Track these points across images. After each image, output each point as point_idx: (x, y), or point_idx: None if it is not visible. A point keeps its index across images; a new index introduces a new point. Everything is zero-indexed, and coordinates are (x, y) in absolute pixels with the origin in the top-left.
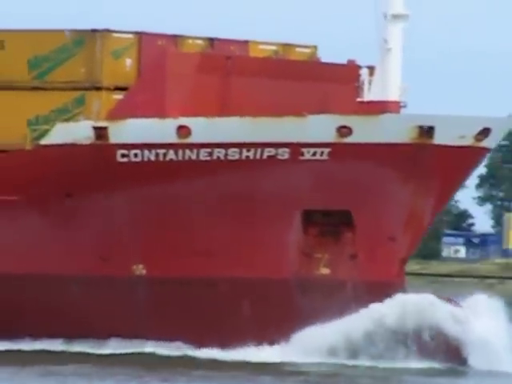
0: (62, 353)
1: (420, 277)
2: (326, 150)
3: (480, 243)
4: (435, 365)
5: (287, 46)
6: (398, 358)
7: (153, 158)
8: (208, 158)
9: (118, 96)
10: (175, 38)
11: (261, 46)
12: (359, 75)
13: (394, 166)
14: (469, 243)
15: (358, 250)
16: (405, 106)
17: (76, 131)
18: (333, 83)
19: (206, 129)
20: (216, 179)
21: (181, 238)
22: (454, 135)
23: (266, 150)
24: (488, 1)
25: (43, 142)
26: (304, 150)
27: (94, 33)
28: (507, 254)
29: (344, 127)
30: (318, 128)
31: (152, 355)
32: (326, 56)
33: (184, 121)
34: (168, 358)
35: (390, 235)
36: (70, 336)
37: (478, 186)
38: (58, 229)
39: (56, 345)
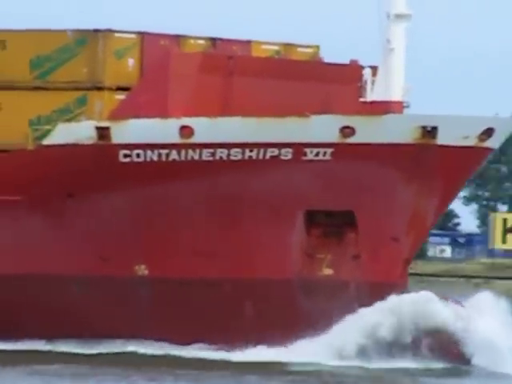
0: (49, 352)
1: None
2: (329, 151)
3: (466, 243)
4: (439, 365)
5: (289, 46)
6: (400, 359)
7: (155, 158)
8: (211, 159)
9: (120, 96)
10: (177, 38)
11: (263, 46)
12: (362, 75)
13: (397, 166)
14: (455, 243)
15: (360, 251)
16: (408, 107)
17: (78, 131)
18: (335, 83)
19: (209, 129)
20: (219, 179)
21: (183, 239)
22: (457, 135)
23: (269, 150)
24: (491, 1)
25: (45, 142)
26: (307, 150)
27: (97, 33)
28: (493, 254)
29: (347, 127)
30: (321, 128)
31: (139, 355)
32: (329, 56)
33: (186, 121)
34: (154, 357)
35: (393, 236)
36: (68, 336)
37: (464, 185)
38: (60, 229)
39: (41, 345)
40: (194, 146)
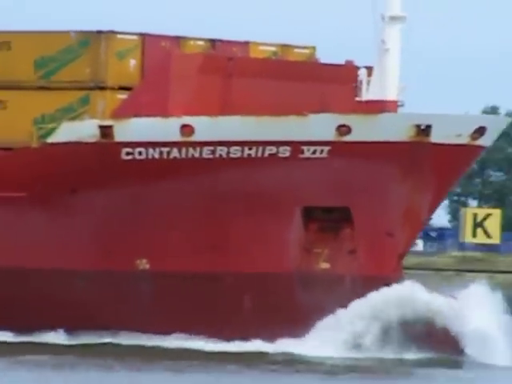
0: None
1: None
2: (326, 148)
3: (437, 237)
4: (433, 355)
5: (286, 47)
6: (396, 350)
7: (157, 155)
8: (211, 156)
9: (123, 96)
10: (178, 40)
11: (261, 47)
12: (357, 75)
13: (392, 163)
14: (426, 237)
15: (356, 246)
16: (402, 105)
17: (81, 130)
18: (331, 83)
19: (209, 127)
20: (219, 176)
21: (184, 234)
22: (450, 134)
23: (268, 148)
24: (484, 3)
25: (49, 140)
26: (304, 148)
27: (99, 34)
28: (463, 248)
29: (343, 126)
30: (318, 127)
31: (126, 346)
32: (325, 56)
33: (187, 120)
34: (141, 348)
35: (388, 231)
36: (72, 328)
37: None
38: (64, 224)
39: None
40: (194, 144)
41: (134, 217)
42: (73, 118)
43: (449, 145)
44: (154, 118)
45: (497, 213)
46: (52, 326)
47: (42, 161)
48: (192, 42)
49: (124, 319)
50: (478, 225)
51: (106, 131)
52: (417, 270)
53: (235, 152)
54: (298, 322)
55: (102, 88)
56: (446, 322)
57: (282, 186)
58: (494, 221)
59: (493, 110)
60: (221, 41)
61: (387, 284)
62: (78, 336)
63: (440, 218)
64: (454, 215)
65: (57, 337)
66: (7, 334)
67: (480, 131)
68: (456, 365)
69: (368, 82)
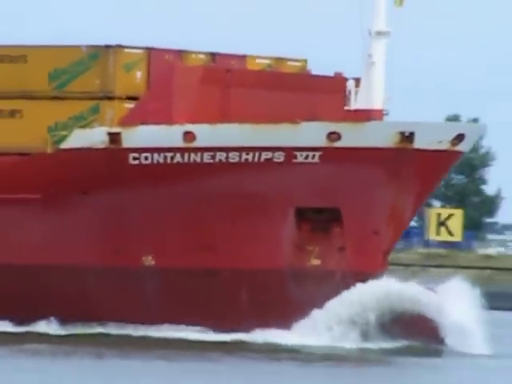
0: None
1: None
2: (317, 154)
3: (404, 235)
4: (416, 344)
5: (280, 60)
6: (379, 339)
7: (161, 160)
8: (211, 161)
9: (130, 105)
10: (180, 53)
11: (257, 60)
12: (346, 86)
13: (379, 167)
14: None
15: (345, 243)
16: (387, 114)
17: (92, 136)
18: (322, 93)
19: (209, 134)
20: (218, 180)
21: (186, 232)
22: (432, 140)
23: (263, 153)
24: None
25: (62, 146)
26: (297, 153)
27: (108, 48)
28: (428, 245)
29: (333, 133)
30: (310, 134)
31: (119, 336)
32: (316, 69)
33: (189, 127)
34: (136, 337)
35: (375, 230)
36: (84, 320)
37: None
38: (75, 224)
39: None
40: (195, 150)
41: (140, 217)
42: (84, 126)
43: (430, 150)
44: (159, 126)
45: (459, 213)
46: (63, 318)
47: (55, 165)
48: (193, 56)
49: (130, 311)
50: (441, 224)
51: (114, 138)
52: None
53: (233, 157)
54: (291, 315)
55: (111, 98)
56: (427, 313)
57: (277, 188)
58: (456, 220)
59: (455, 118)
60: (220, 54)
61: (374, 278)
62: (91, 326)
63: None
64: (420, 215)
65: (66, 328)
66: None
67: (459, 138)
68: (436, 353)
69: (356, 93)
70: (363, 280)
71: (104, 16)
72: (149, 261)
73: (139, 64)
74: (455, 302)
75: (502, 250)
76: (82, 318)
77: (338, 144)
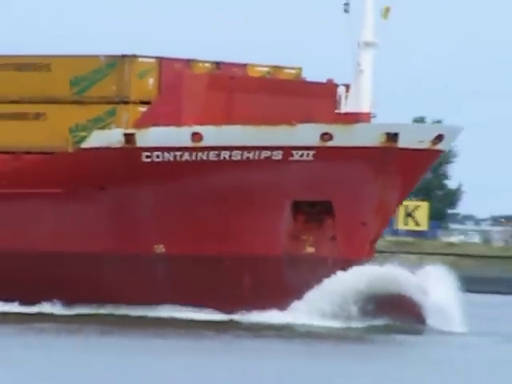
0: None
1: None
2: (311, 152)
3: None
4: (400, 323)
5: (277, 68)
6: (368, 319)
7: (171, 158)
8: (216, 159)
9: (143, 108)
10: (188, 62)
11: (256, 68)
12: (337, 91)
13: (366, 165)
14: None
15: (336, 233)
16: (374, 117)
17: (109, 137)
18: (315, 98)
19: (215, 135)
20: (222, 176)
21: (193, 223)
22: (414, 140)
23: (263, 152)
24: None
25: (82, 145)
26: (293, 152)
27: (123, 58)
28: (397, 233)
29: (326, 134)
30: (305, 134)
31: (123, 316)
32: (310, 76)
33: (197, 128)
34: (135, 317)
35: (363, 221)
36: (98, 302)
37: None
38: (93, 216)
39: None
40: (202, 149)
41: (152, 209)
42: (102, 127)
43: (413, 149)
44: (169, 127)
45: (424, 205)
46: (81, 300)
47: (76, 163)
48: (200, 64)
49: (143, 293)
50: (408, 215)
51: (129, 138)
52: None
53: (236, 155)
54: (287, 297)
55: (126, 102)
56: (410, 295)
57: (275, 183)
58: (422, 212)
59: (421, 120)
60: (224, 63)
61: (361, 264)
62: (102, 306)
63: None
64: None
65: (91, 309)
66: (46, 306)
67: (439, 138)
68: (418, 331)
69: (346, 97)
70: (352, 266)
71: (120, 28)
72: (160, 248)
73: (151, 72)
74: (435, 285)
75: (462, 238)
76: (97, 300)
77: (330, 143)
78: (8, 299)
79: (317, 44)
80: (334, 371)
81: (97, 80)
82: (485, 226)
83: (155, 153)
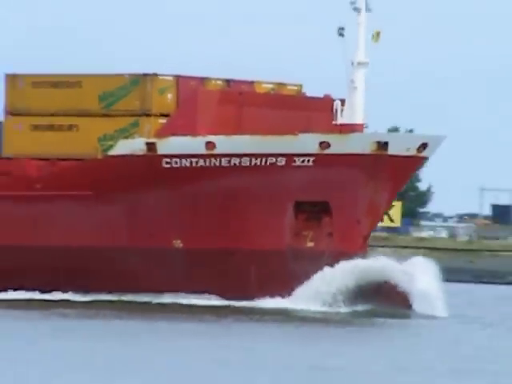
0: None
1: None
2: (311, 159)
3: None
4: (388, 308)
5: (281, 85)
6: (359, 304)
7: (188, 164)
8: (227, 165)
9: (163, 120)
10: (202, 80)
11: (262, 85)
12: (333, 105)
13: (360, 170)
14: None
15: (333, 230)
16: (367, 127)
17: (133, 145)
18: (314, 111)
19: (226, 143)
20: (233, 179)
21: (208, 221)
22: (402, 148)
23: (269, 158)
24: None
25: (110, 153)
26: (295, 158)
27: (145, 76)
28: (374, 229)
29: (324, 142)
30: (305, 143)
31: (140, 303)
32: (309, 91)
33: (210, 138)
34: (149, 304)
35: (356, 219)
36: (122, 290)
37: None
38: (119, 215)
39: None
40: (215, 156)
41: (171, 209)
42: (127, 137)
43: (401, 156)
44: (186, 137)
45: (398, 204)
46: (109, 289)
47: (104, 168)
48: (213, 82)
49: (163, 283)
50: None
51: (150, 146)
52: None
53: (245, 161)
54: (290, 285)
55: (148, 115)
56: (398, 283)
57: (279, 186)
58: (396, 210)
59: (395, 129)
60: (233, 80)
61: (355, 258)
62: (124, 295)
63: None
64: None
65: (115, 296)
66: (75, 295)
67: (423, 146)
68: (404, 315)
69: (341, 111)
70: (346, 258)
71: (142, 49)
72: (178, 243)
73: (170, 88)
74: (420, 274)
75: (432, 233)
76: (121, 289)
77: (327, 151)
78: (38, 288)
79: (315, 63)
80: (321, 351)
81: (122, 95)
82: (451, 223)
83: (174, 159)
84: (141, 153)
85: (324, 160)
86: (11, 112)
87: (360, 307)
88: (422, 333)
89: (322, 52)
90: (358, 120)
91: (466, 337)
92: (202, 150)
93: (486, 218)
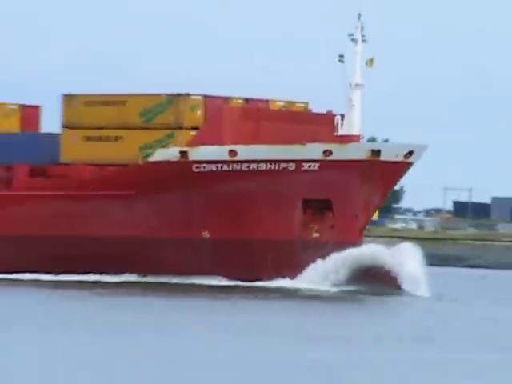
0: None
1: None
2: (317, 164)
3: None
4: (381, 289)
5: (291, 102)
6: (355, 284)
7: (214, 168)
8: (247, 169)
9: (193, 133)
10: (226, 99)
11: (276, 103)
12: (334, 120)
13: (356, 173)
14: None
15: (335, 223)
16: (362, 138)
17: (169, 153)
18: (319, 125)
19: (246, 152)
20: (252, 181)
21: (231, 216)
22: (392, 155)
23: (282, 164)
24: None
25: (149, 159)
26: (304, 164)
27: (179, 95)
28: None
29: (327, 150)
30: (312, 151)
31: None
32: (315, 108)
33: (233, 147)
34: (163, 284)
35: (355, 214)
36: (157, 274)
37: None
38: (157, 211)
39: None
40: (237, 162)
41: (200, 206)
42: (163, 146)
43: (391, 162)
44: (213, 146)
45: None
46: (145, 273)
47: (144, 172)
48: (234, 100)
49: (194, 267)
50: None
51: (183, 154)
52: None
53: (262, 166)
54: (299, 269)
55: (181, 128)
56: (390, 266)
57: (290, 186)
58: None
59: (372, 139)
60: (252, 99)
61: (353, 246)
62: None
63: None
64: None
65: (156, 278)
66: (125, 276)
67: (410, 153)
68: (394, 294)
69: (341, 124)
70: (346, 247)
71: (176, 72)
72: (206, 234)
73: (199, 106)
74: (407, 259)
75: (404, 225)
76: (157, 273)
77: (330, 158)
78: (81, 271)
79: (320, 85)
80: (318, 324)
81: (160, 112)
82: (420, 217)
83: (202, 165)
84: (175, 159)
85: (327, 165)
86: (67, 126)
87: (353, 287)
88: (398, 307)
89: (326, 75)
90: (355, 132)
91: (434, 310)
92: (226, 157)
93: (448, 212)
